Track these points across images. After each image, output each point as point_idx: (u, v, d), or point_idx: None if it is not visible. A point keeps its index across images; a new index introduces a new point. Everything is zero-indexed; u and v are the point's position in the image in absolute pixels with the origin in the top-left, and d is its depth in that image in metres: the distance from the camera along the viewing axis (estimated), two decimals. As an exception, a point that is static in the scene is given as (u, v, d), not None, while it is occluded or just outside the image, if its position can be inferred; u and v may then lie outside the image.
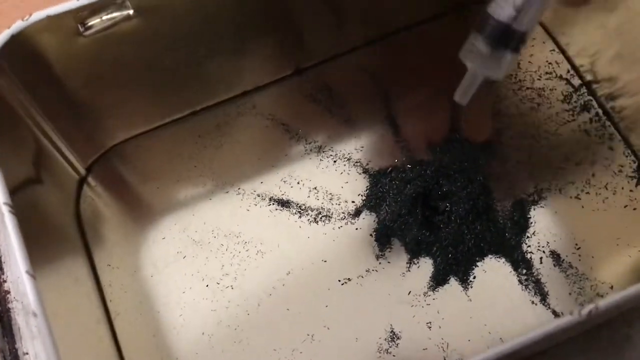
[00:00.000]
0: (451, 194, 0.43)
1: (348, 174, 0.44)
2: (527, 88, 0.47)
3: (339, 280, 0.41)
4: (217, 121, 0.46)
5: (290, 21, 0.44)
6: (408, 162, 0.44)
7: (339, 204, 0.43)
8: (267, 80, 0.47)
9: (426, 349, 0.39)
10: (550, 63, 0.48)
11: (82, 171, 0.44)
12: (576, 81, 0.47)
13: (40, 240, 0.35)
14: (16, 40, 0.34)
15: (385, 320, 0.40)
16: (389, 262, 0.41)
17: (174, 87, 0.44)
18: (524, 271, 0.41)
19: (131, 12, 0.36)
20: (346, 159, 0.45)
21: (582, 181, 0.44)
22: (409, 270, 0.41)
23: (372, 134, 0.46)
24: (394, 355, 0.39)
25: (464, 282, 0.41)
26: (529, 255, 0.41)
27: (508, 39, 0.33)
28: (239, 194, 0.44)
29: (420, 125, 0.46)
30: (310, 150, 0.45)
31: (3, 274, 0.31)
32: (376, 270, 0.41)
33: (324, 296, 0.41)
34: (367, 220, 0.43)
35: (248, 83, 0.47)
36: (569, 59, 0.48)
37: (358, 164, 0.45)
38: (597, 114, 0.46)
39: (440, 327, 0.40)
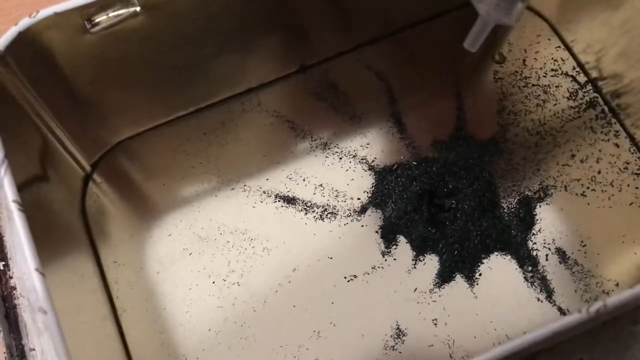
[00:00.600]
0: (457, 191, 0.43)
1: (354, 171, 0.44)
2: (533, 85, 0.47)
3: (345, 277, 0.41)
4: (223, 118, 0.46)
5: (295, 19, 0.44)
6: (414, 159, 0.44)
7: (345, 201, 0.43)
8: (272, 77, 0.47)
9: (432, 345, 0.39)
10: (555, 60, 0.48)
11: (88, 168, 0.44)
12: (582, 78, 0.47)
13: (47, 237, 0.35)
14: (23, 37, 0.34)
15: (391, 317, 0.40)
16: (394, 259, 0.41)
17: (180, 84, 0.44)
18: (530, 268, 0.41)
19: (138, 9, 0.36)
20: (352, 156, 0.45)
21: (588, 178, 0.44)
22: (415, 267, 0.41)
23: (377, 131, 0.46)
24: (400, 352, 0.39)
25: (470, 279, 0.41)
26: (534, 252, 0.41)
27: None
28: (244, 190, 0.44)
29: (425, 122, 0.46)
30: (316, 147, 0.45)
31: (9, 270, 0.31)
32: (382, 267, 0.41)
33: (330, 293, 0.41)
34: (373, 217, 0.43)
35: (253, 80, 0.47)
36: (574, 56, 0.48)
37: (364, 161, 0.45)
38: (602, 111, 0.46)
39: (446, 324, 0.40)
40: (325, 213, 0.43)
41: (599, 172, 0.44)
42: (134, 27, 0.37)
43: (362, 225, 0.43)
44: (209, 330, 0.40)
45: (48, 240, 0.35)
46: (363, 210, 0.43)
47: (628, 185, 0.43)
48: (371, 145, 0.45)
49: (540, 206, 0.43)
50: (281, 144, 0.45)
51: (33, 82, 0.36)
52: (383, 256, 0.42)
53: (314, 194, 0.43)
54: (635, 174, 0.44)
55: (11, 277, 0.31)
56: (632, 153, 0.45)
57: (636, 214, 0.43)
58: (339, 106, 0.47)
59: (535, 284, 0.41)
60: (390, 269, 0.41)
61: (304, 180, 0.44)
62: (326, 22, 0.46)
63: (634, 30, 0.43)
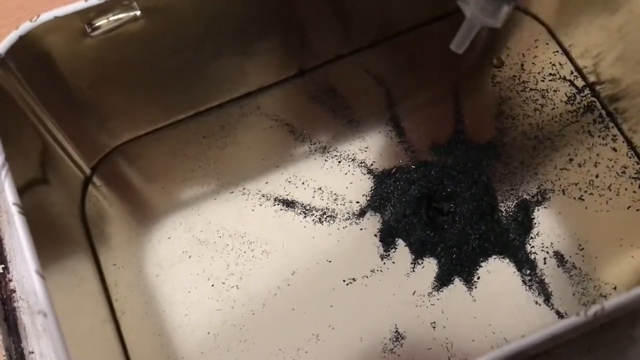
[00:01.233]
0: (455, 194, 0.43)
1: (352, 174, 0.44)
2: (531, 89, 0.47)
3: (344, 280, 0.41)
4: (222, 122, 0.46)
5: (294, 22, 0.44)
6: (412, 162, 0.45)
7: (344, 205, 0.43)
8: (271, 81, 0.47)
9: (430, 348, 0.39)
10: (553, 64, 0.48)
11: (88, 171, 0.44)
12: (580, 82, 0.48)
13: (46, 240, 0.35)
14: (24, 41, 0.34)
15: (390, 320, 0.40)
16: (393, 263, 0.42)
17: (179, 88, 0.44)
18: (528, 272, 0.41)
19: (138, 13, 0.36)
20: (351, 160, 0.45)
21: (586, 182, 0.44)
22: (414, 271, 0.41)
23: (376, 135, 0.46)
24: (398, 355, 0.39)
25: (468, 282, 0.41)
26: (532, 256, 0.42)
27: None
28: (244, 194, 0.44)
29: (424, 126, 0.46)
30: (315, 150, 0.45)
31: (9, 273, 0.31)
32: (381, 271, 0.41)
33: (329, 296, 0.41)
34: (372, 220, 0.43)
35: (252, 84, 0.47)
36: (572, 61, 0.48)
37: (362, 164, 0.45)
38: (600, 115, 0.46)
39: (444, 327, 0.40)
40: (324, 216, 0.43)
41: (596, 176, 0.44)
42: (134, 31, 0.37)
43: (361, 229, 0.43)
44: (208, 333, 0.40)
45: (48, 243, 0.35)
46: (362, 213, 0.43)
47: (626, 189, 0.44)
48: (370, 148, 0.45)
49: (538, 210, 0.43)
50: (280, 148, 0.45)
51: (33, 85, 0.36)
52: (382, 259, 0.42)
53: (313, 197, 0.44)
54: (633, 177, 0.44)
55: (10, 280, 0.31)
56: (630, 157, 0.45)
57: (634, 217, 0.43)
58: (337, 110, 0.47)
59: (533, 287, 0.41)
60: (388, 272, 0.41)
61: (303, 183, 0.44)
62: (325, 26, 0.46)
63: (631, 34, 0.43)
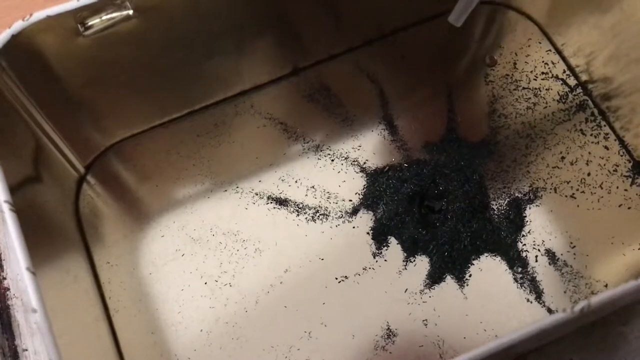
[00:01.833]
0: (447, 192, 0.43)
1: (345, 172, 0.45)
2: (524, 88, 0.48)
3: (336, 278, 0.41)
4: (216, 120, 0.47)
5: (288, 21, 0.44)
6: (405, 161, 0.45)
7: (337, 203, 0.44)
8: (265, 79, 0.48)
9: (422, 346, 0.39)
10: (546, 63, 0.48)
11: (82, 170, 0.45)
12: (572, 81, 0.48)
13: (40, 238, 0.35)
14: (16, 40, 0.34)
15: (382, 317, 0.40)
16: (385, 260, 0.42)
17: (173, 87, 0.44)
18: (520, 269, 0.41)
19: (131, 12, 0.36)
20: (344, 158, 0.45)
21: (577, 180, 0.44)
22: (406, 268, 0.42)
23: (369, 134, 0.46)
24: (390, 352, 0.39)
25: (460, 280, 0.41)
26: (524, 254, 0.42)
27: None
28: (237, 192, 0.44)
29: (417, 124, 0.46)
30: (308, 149, 0.45)
31: (3, 271, 0.31)
32: (373, 268, 0.42)
33: (322, 294, 0.41)
34: (365, 218, 0.43)
35: (246, 82, 0.47)
36: (564, 59, 0.48)
37: (355, 163, 0.45)
38: (592, 114, 0.47)
39: (436, 325, 0.40)
40: (317, 214, 0.43)
41: (588, 174, 0.44)
42: (127, 30, 0.37)
43: (354, 227, 0.43)
44: (201, 330, 0.40)
45: (42, 241, 0.36)
46: (354, 211, 0.43)
47: (617, 187, 0.44)
48: (363, 147, 0.45)
49: (530, 208, 0.43)
50: (274, 146, 0.46)
51: (27, 84, 0.37)
52: (374, 257, 0.42)
53: (306, 195, 0.44)
54: (625, 176, 0.44)
55: (5, 278, 0.31)
56: (622, 155, 0.45)
57: (625, 215, 0.43)
58: (331, 108, 0.47)
59: (524, 285, 0.41)
60: (381, 270, 0.42)
61: (296, 182, 0.44)
62: (319, 25, 0.46)
63: (623, 33, 0.43)
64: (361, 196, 0.44)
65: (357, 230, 0.43)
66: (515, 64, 0.48)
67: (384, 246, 0.42)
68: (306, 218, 0.43)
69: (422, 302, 0.41)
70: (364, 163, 0.45)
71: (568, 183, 0.44)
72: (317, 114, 0.47)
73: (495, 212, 0.43)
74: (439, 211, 0.43)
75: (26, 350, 0.30)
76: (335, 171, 0.45)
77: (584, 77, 0.47)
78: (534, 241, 0.42)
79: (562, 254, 0.42)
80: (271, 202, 0.44)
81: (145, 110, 0.45)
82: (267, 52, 0.46)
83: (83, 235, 0.43)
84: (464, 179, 0.44)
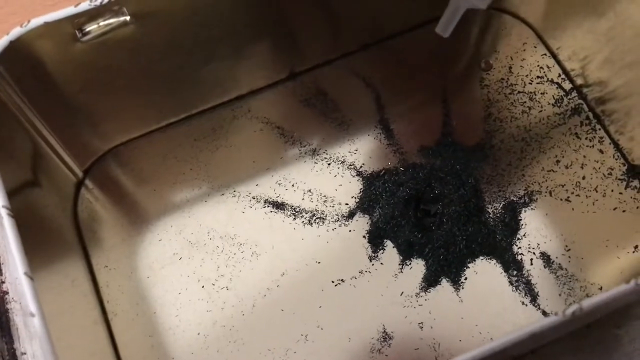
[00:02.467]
0: (443, 196, 0.44)
1: (342, 176, 0.45)
2: (519, 92, 0.48)
3: (333, 282, 0.42)
4: (213, 125, 0.47)
5: (284, 26, 0.45)
6: (401, 165, 0.45)
7: (333, 206, 0.44)
8: (262, 84, 0.48)
9: (418, 349, 0.40)
10: (541, 67, 0.49)
11: (80, 174, 0.45)
12: (567, 85, 0.48)
13: (38, 242, 0.35)
14: (14, 46, 0.34)
15: (378, 320, 0.40)
16: (381, 264, 0.42)
17: (170, 92, 0.44)
18: (515, 272, 0.42)
19: (128, 18, 0.37)
20: (340, 162, 0.45)
21: (572, 184, 0.44)
22: (402, 272, 0.42)
23: (365, 138, 0.46)
24: (386, 355, 0.40)
25: (456, 283, 0.41)
26: (519, 257, 0.42)
27: None
28: (234, 196, 0.44)
29: (413, 128, 0.47)
30: (305, 153, 0.46)
31: (1, 275, 0.31)
32: (369, 272, 0.42)
33: (318, 297, 0.41)
34: (361, 222, 0.43)
35: (243, 87, 0.47)
36: (559, 63, 0.49)
37: (352, 166, 0.45)
38: (587, 118, 0.47)
39: (432, 328, 0.40)
40: (314, 218, 0.44)
41: (583, 178, 0.45)
42: (124, 36, 0.38)
43: (350, 230, 0.43)
44: (198, 334, 0.40)
45: (40, 245, 0.36)
46: (351, 215, 0.44)
47: (612, 191, 0.44)
48: (359, 151, 0.46)
49: (525, 211, 0.44)
50: (271, 150, 0.46)
51: (24, 90, 0.37)
52: (370, 260, 0.42)
53: (303, 199, 0.44)
54: (619, 179, 0.45)
55: (3, 282, 0.31)
56: (616, 159, 0.45)
57: (620, 218, 0.43)
58: (327, 113, 0.47)
59: (520, 288, 0.41)
60: (377, 273, 0.42)
61: (292, 185, 0.45)
62: (315, 30, 0.46)
63: (618, 37, 0.44)
64: (357, 200, 0.44)
65: (353, 234, 0.43)
66: (510, 68, 0.49)
67: (380, 249, 0.42)
68: (303, 222, 0.43)
69: (418, 305, 0.41)
70: (360, 167, 0.45)
71: (563, 186, 0.44)
72: (313, 119, 0.47)
73: (491, 215, 0.43)
74: (435, 215, 0.43)
75: (25, 354, 0.30)
76: (332, 175, 0.45)
77: (579, 81, 0.48)
78: (529, 244, 0.43)
79: (557, 257, 0.42)
80: (268, 206, 0.44)
81: (142, 114, 0.45)
82: (263, 57, 0.46)
83: (81, 239, 0.43)
84: (460, 182, 0.44)
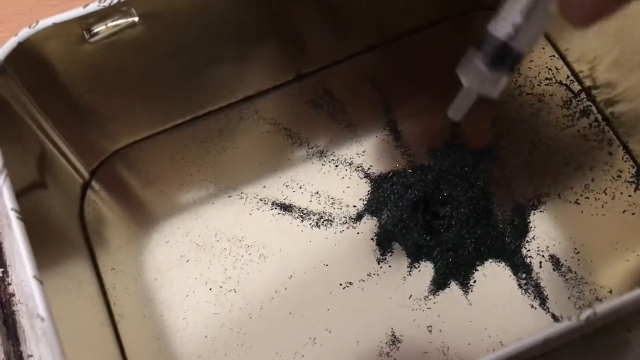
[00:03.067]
0: (452, 198, 0.43)
1: (350, 178, 0.45)
2: (527, 94, 0.48)
3: (341, 284, 0.41)
4: (220, 126, 0.47)
5: (291, 28, 0.45)
6: (409, 167, 0.45)
7: (341, 209, 0.44)
8: (269, 85, 0.48)
9: (427, 352, 0.39)
10: (550, 69, 0.49)
11: (86, 175, 0.45)
12: (576, 87, 0.48)
13: (45, 244, 0.35)
14: (22, 47, 0.34)
15: (386, 323, 0.40)
16: (390, 266, 0.42)
17: (177, 93, 0.44)
18: (524, 275, 0.41)
19: (136, 19, 0.36)
20: (348, 164, 0.45)
21: (581, 186, 0.44)
22: (410, 274, 0.42)
23: (373, 139, 0.46)
24: (394, 359, 0.39)
25: (464, 286, 0.41)
26: (528, 260, 0.42)
27: (505, 57, 0.33)
28: (241, 198, 0.44)
29: (420, 130, 0.46)
30: (312, 154, 0.46)
31: (8, 277, 0.31)
32: (377, 274, 0.42)
33: (326, 300, 0.41)
34: (369, 224, 0.43)
35: (250, 88, 0.47)
36: (568, 65, 0.49)
37: (359, 168, 0.45)
38: (596, 120, 0.47)
39: (440, 331, 0.40)
40: (321, 220, 0.43)
41: (592, 180, 0.44)
42: (132, 37, 0.38)
43: (358, 233, 0.43)
44: (206, 336, 0.40)
45: (46, 247, 0.36)
46: (359, 217, 0.43)
47: (621, 193, 0.44)
48: (367, 153, 0.46)
49: (534, 214, 0.43)
50: (278, 152, 0.46)
51: (32, 91, 0.37)
52: (378, 263, 0.42)
53: (310, 201, 0.44)
54: (628, 181, 0.44)
55: (10, 284, 0.31)
56: (625, 161, 0.45)
57: (629, 221, 0.43)
58: (335, 114, 0.47)
59: (529, 291, 0.41)
60: (385, 276, 0.42)
61: (300, 187, 0.44)
62: (322, 31, 0.46)
63: (627, 39, 0.44)
64: (365, 202, 0.44)
65: (361, 236, 0.43)
66: (518, 69, 0.48)
67: (388, 252, 0.42)
68: (310, 224, 0.43)
69: (427, 308, 0.41)
70: (368, 169, 0.45)
71: (572, 189, 0.44)
72: (321, 120, 0.47)
73: (499, 218, 0.43)
74: (443, 217, 0.43)
75: (31, 356, 0.30)
76: (340, 177, 0.45)
77: (587, 83, 0.48)
78: (538, 247, 0.42)
79: (566, 260, 0.42)
80: (275, 208, 0.44)
81: (149, 116, 0.45)
82: (270, 58, 0.46)
83: (88, 240, 0.43)
84: (468, 184, 0.44)
